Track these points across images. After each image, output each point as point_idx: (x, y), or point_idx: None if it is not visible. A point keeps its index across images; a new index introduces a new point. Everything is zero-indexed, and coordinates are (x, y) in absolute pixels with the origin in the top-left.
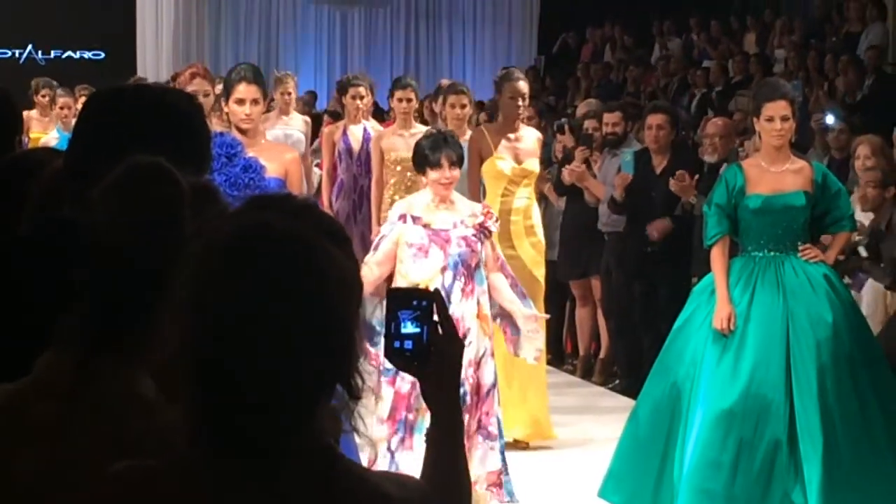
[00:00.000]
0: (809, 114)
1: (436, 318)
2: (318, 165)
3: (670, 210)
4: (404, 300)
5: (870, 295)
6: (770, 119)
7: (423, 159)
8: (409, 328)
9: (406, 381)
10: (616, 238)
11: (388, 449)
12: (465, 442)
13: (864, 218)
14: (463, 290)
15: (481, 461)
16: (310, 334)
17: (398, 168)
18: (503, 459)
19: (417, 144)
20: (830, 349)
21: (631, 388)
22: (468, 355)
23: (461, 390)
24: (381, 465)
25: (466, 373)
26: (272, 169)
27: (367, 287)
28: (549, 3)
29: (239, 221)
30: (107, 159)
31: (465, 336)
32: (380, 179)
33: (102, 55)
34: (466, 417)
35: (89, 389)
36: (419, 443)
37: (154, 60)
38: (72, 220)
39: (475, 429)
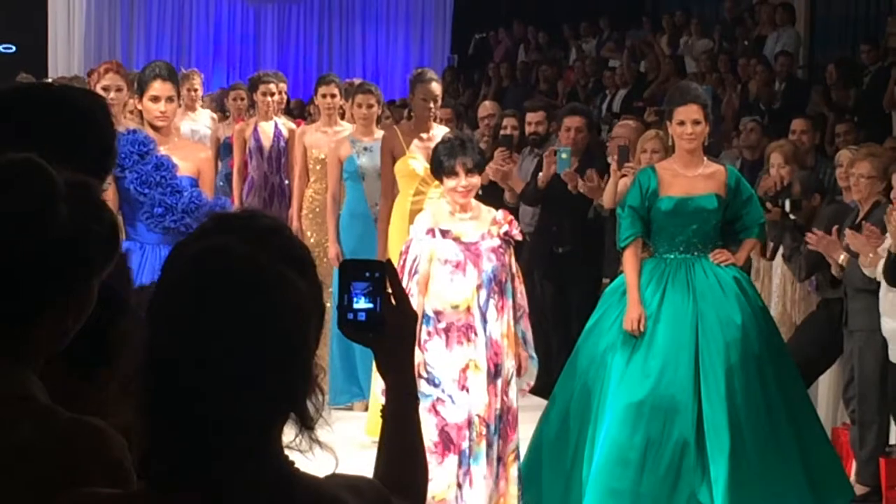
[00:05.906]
0: (722, 117)
1: (389, 290)
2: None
3: (579, 210)
4: (357, 271)
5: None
6: (682, 123)
7: (438, 166)
8: (361, 303)
9: (458, 408)
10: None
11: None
12: (506, 461)
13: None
14: (497, 308)
15: (514, 480)
16: (262, 360)
17: (318, 167)
18: (520, 478)
19: (435, 150)
20: (739, 351)
21: (542, 388)
22: (502, 374)
23: (496, 411)
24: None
25: (499, 391)
26: (185, 167)
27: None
28: (463, 2)
29: (201, 244)
30: None
31: (497, 355)
32: (303, 175)
33: (14, 49)
34: (510, 437)
35: None
36: (478, 475)
37: (66, 55)
38: None
39: (510, 450)
